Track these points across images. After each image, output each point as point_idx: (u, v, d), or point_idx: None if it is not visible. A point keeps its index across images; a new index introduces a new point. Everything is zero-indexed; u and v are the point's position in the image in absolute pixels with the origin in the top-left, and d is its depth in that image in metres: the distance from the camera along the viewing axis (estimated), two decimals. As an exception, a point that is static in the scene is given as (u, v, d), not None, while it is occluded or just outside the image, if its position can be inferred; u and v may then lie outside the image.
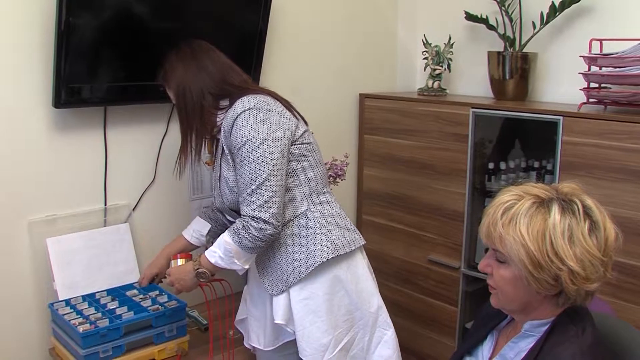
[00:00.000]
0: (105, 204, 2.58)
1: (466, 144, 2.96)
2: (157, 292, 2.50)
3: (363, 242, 2.29)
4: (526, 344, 1.50)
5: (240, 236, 2.03)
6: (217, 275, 2.22)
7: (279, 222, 2.04)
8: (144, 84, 2.46)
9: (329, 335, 2.16)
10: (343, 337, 2.19)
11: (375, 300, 2.27)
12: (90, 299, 2.43)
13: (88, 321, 2.26)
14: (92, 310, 2.35)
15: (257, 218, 2.01)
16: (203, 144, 2.23)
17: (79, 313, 2.32)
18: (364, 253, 2.33)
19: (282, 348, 2.30)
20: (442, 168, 3.09)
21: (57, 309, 2.33)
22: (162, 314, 2.34)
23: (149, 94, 2.45)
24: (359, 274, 2.24)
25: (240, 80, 2.20)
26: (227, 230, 2.09)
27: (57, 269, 2.43)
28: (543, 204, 1.41)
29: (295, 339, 2.19)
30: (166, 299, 2.45)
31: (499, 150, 3.09)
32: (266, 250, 2.14)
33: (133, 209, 2.66)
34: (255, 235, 2.02)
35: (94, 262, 2.52)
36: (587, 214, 1.40)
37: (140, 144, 2.64)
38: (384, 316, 2.29)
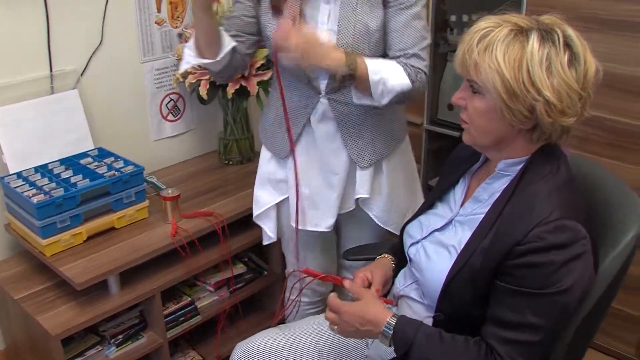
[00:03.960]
0: (51, 70, 2.44)
1: (427, -5, 2.84)
2: (112, 159, 2.42)
3: None
4: (500, 185, 1.47)
5: (414, 82, 1.84)
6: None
7: None
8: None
9: (407, 200, 2.18)
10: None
11: None
12: (43, 169, 2.34)
13: (42, 192, 2.18)
14: (45, 180, 2.27)
15: (425, 73, 1.87)
16: None
17: (32, 184, 2.24)
18: None
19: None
20: (403, 22, 2.98)
21: (8, 182, 2.24)
22: (118, 179, 2.27)
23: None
24: None
25: None
26: (399, 66, 1.85)
27: (5, 141, 2.32)
28: (522, 32, 1.34)
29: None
30: (122, 165, 2.37)
31: (460, 2, 2.98)
32: (361, 118, 1.99)
33: (81, 74, 2.52)
34: (419, 89, 1.88)
35: (44, 131, 2.41)
36: (568, 44, 1.34)
37: (84, 3, 2.46)
38: None
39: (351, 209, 2.10)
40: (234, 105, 2.76)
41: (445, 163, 1.77)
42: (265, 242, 2.26)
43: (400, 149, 2.12)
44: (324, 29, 1.88)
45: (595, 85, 1.37)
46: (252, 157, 2.88)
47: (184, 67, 1.99)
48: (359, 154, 2.01)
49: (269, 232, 2.22)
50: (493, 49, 1.32)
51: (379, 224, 2.12)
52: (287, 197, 2.14)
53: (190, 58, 1.94)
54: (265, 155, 2.17)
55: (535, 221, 1.32)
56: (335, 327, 1.56)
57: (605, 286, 1.42)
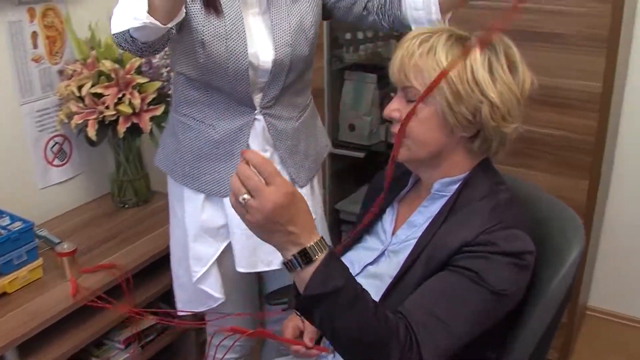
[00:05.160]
0: None
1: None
2: (-4, 216, 2.19)
3: None
4: (437, 207, 1.40)
5: None
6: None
7: None
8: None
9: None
10: None
11: None
12: None
13: None
14: None
15: None
16: None
17: None
18: None
19: None
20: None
21: None
22: (6, 239, 2.04)
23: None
24: None
25: None
26: None
27: None
28: (462, 38, 1.35)
29: None
30: (8, 222, 2.14)
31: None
32: (294, 133, 1.86)
33: (-49, 124, 2.28)
34: None
35: None
36: (507, 53, 1.35)
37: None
38: None
39: None
40: (126, 144, 2.56)
41: (366, 193, 1.70)
42: (210, 306, 1.93)
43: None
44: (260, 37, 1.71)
45: (529, 97, 1.37)
46: (148, 198, 2.70)
47: (127, 24, 1.42)
48: (297, 171, 1.90)
49: (216, 293, 1.90)
50: (436, 51, 1.32)
51: None
52: (229, 244, 1.87)
53: (140, 14, 1.38)
54: (194, 200, 1.86)
55: (485, 226, 1.26)
56: (247, 197, 1.08)
57: (560, 301, 1.38)
